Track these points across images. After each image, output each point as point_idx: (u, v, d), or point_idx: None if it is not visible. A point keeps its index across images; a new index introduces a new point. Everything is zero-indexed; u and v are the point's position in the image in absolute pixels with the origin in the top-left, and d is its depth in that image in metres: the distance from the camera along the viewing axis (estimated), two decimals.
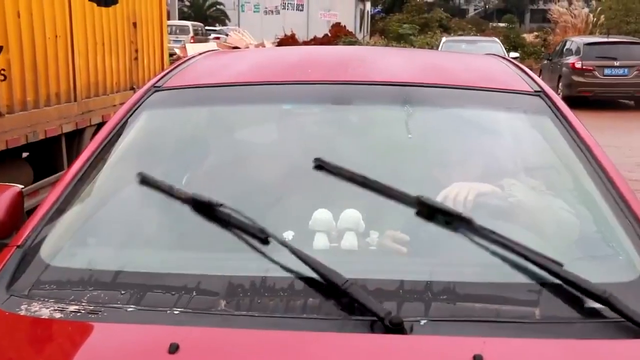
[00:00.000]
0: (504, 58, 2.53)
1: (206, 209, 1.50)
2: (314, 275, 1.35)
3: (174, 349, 1.19)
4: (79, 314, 1.33)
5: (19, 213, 1.74)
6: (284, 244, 1.40)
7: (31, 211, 1.70)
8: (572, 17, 25.53)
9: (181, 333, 1.22)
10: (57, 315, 1.33)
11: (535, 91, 2.05)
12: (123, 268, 1.48)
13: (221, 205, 1.48)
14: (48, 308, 1.35)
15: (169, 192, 1.58)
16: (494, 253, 1.40)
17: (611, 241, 1.58)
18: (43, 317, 1.33)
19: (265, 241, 1.41)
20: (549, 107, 1.97)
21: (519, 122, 2.01)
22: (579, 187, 1.75)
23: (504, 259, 1.39)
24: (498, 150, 1.98)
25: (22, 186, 1.85)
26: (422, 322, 1.28)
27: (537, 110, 1.97)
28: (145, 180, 1.63)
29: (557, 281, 1.38)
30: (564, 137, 1.85)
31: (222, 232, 1.47)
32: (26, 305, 1.36)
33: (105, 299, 1.37)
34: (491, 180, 1.77)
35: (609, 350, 1.26)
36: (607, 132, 9.61)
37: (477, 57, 2.80)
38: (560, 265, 1.35)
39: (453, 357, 1.21)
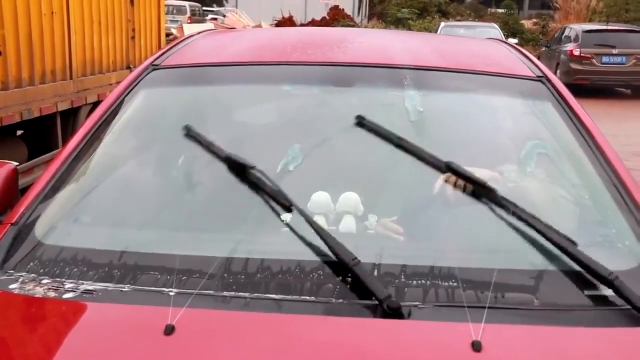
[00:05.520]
0: (506, 42, 2.51)
1: (240, 170, 1.57)
2: (311, 257, 1.34)
3: (169, 330, 1.18)
4: (73, 293, 1.31)
5: (13, 190, 1.72)
6: (303, 214, 1.44)
7: (25, 189, 1.68)
8: (576, 2, 25.40)
9: (177, 314, 1.21)
10: (51, 294, 1.31)
11: (538, 76, 2.03)
12: (118, 248, 1.46)
13: (253, 167, 1.55)
14: (42, 287, 1.33)
15: (207, 148, 1.68)
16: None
17: (611, 229, 1.57)
18: (37, 295, 1.31)
19: (288, 209, 1.46)
20: (551, 92, 1.96)
21: (521, 108, 1.99)
22: (580, 173, 1.73)
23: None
24: (498, 136, 1.96)
25: (17, 163, 1.82)
26: (420, 307, 1.27)
27: (539, 96, 1.95)
28: (189, 134, 1.75)
29: (557, 268, 1.37)
30: (566, 123, 1.84)
31: (220, 212, 1.45)
32: (20, 284, 1.35)
33: (100, 278, 1.35)
34: (490, 165, 1.76)
35: (608, 337, 1.25)
36: (603, 120, 9.55)
37: (480, 41, 2.77)
38: (575, 244, 1.38)
39: (451, 343, 1.20)
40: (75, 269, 1.38)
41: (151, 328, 1.20)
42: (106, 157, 1.80)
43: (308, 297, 1.29)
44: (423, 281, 1.33)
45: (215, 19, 25.38)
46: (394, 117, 1.91)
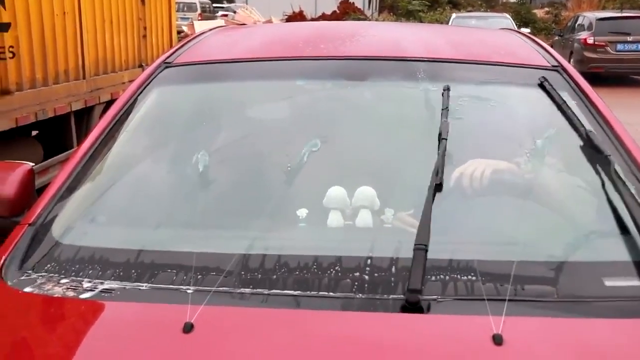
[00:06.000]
0: (520, 32, 2.48)
1: None
2: (329, 252, 1.34)
3: (188, 328, 1.18)
4: (91, 292, 1.31)
5: (30, 191, 1.72)
6: None
7: (41, 189, 1.69)
8: None
9: (196, 312, 1.20)
10: (70, 293, 1.32)
11: (553, 66, 2.01)
12: (135, 246, 1.46)
13: None
14: (60, 287, 1.34)
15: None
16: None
17: (630, 219, 1.55)
18: (55, 295, 1.32)
19: None
20: (567, 82, 1.93)
21: (537, 98, 1.97)
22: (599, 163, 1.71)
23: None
24: (515, 127, 1.94)
25: (33, 164, 1.83)
26: (440, 300, 1.26)
27: (555, 85, 1.93)
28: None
29: (577, 259, 1.36)
30: (583, 113, 1.81)
31: (236, 208, 1.44)
32: (39, 284, 1.35)
33: (118, 277, 1.35)
34: (508, 157, 1.74)
35: (631, 329, 1.23)
36: (618, 109, 9.42)
37: (494, 31, 2.75)
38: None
39: (471, 336, 1.19)
40: (93, 269, 1.38)
41: (170, 326, 1.20)
42: (121, 156, 1.80)
43: (326, 293, 1.28)
44: (442, 275, 1.32)
45: (225, 15, 25.41)
46: (409, 110, 1.89)
